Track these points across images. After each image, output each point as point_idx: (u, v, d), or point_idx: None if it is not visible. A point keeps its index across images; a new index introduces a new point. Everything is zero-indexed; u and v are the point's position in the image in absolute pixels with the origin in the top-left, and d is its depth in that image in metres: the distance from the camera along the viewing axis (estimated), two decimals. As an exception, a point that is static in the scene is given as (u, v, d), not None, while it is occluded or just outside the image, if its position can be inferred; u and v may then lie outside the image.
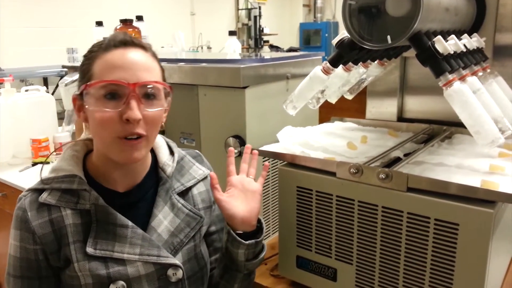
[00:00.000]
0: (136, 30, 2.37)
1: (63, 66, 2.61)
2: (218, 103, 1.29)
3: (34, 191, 0.84)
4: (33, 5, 4.00)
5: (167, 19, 5.18)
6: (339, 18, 6.89)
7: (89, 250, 0.79)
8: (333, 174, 0.93)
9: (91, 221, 0.81)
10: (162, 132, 1.48)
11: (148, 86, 0.80)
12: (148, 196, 0.89)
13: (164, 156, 0.94)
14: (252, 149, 0.98)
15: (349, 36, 0.89)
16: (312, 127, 1.26)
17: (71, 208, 0.82)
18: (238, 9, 6.40)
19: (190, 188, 0.94)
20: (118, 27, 2.35)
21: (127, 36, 0.82)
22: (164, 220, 0.87)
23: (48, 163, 2.22)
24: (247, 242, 0.87)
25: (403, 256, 0.86)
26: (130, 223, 0.82)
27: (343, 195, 0.92)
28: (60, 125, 2.51)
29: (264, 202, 1.32)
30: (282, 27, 6.80)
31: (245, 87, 1.22)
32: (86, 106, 0.80)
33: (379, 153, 1.00)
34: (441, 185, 0.80)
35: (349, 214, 0.92)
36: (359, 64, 1.04)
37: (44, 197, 0.81)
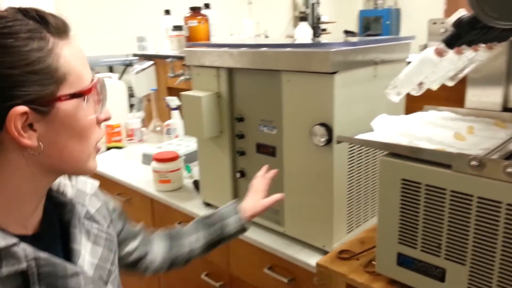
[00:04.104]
0: (204, 18, 2.37)
1: (134, 55, 2.66)
2: (303, 89, 1.24)
3: None
4: (99, -5, 4.09)
5: (224, 8, 5.17)
6: (401, 4, 6.56)
7: None
8: (446, 166, 0.85)
9: (28, 284, 0.59)
10: (241, 119, 1.44)
11: None
12: (57, 231, 0.71)
13: None
14: None
15: (473, 13, 0.80)
16: (407, 115, 1.17)
17: None
18: (295, -3, 6.29)
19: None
20: (188, 15, 2.35)
21: (60, 16, 0.62)
22: (85, 253, 0.71)
23: (121, 147, 2.28)
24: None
25: (531, 260, 0.77)
26: (79, 268, 0.67)
27: (459, 190, 0.83)
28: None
29: (349, 191, 1.26)
30: (340, 15, 6.60)
31: (334, 73, 1.16)
32: (71, 118, 0.60)
33: (495, 145, 0.90)
34: None
35: (465, 211, 0.83)
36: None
37: None
